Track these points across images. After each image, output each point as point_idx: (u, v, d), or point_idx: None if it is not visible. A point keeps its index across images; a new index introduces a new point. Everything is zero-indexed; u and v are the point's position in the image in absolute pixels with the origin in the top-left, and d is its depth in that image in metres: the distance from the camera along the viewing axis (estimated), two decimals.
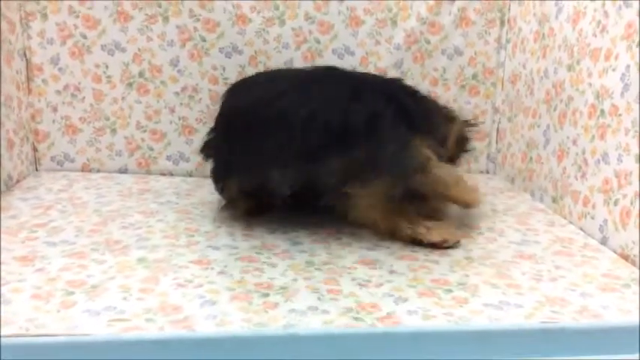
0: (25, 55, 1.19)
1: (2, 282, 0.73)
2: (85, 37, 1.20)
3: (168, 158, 1.27)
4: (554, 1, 1.08)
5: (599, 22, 0.95)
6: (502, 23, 1.28)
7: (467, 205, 0.96)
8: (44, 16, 1.19)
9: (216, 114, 1.02)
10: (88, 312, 0.67)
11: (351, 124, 0.88)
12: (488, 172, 1.34)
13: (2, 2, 1.09)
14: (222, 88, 1.23)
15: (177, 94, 1.25)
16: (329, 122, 0.88)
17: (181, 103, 1.25)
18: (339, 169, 0.88)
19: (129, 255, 0.83)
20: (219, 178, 1.01)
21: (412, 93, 1.02)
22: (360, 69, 1.24)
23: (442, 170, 0.92)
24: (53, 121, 1.23)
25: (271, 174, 0.91)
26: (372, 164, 0.88)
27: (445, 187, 0.92)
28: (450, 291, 0.74)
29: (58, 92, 1.22)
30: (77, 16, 1.19)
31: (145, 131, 1.26)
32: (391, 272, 0.80)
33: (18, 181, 1.15)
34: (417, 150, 0.90)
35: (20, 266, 0.78)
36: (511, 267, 0.83)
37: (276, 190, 0.92)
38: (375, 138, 0.88)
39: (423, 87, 1.28)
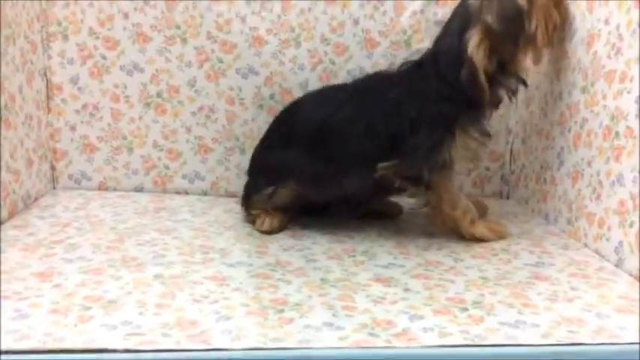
0: (45, 74, 1.22)
1: (20, 297, 0.74)
2: (104, 57, 1.23)
3: (184, 177, 1.29)
4: (568, 24, 1.09)
5: (613, 44, 0.95)
6: None
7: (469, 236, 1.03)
8: (65, 37, 1.21)
9: (270, 127, 1.15)
10: (105, 326, 0.68)
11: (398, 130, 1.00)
12: (501, 194, 1.34)
13: (25, 22, 1.12)
14: (238, 109, 1.26)
15: (193, 113, 1.26)
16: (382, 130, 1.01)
17: (198, 123, 1.27)
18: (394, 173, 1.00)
19: (145, 271, 0.84)
20: (274, 182, 1.06)
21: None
22: None
23: (447, 195, 1.02)
24: (71, 140, 1.25)
25: (348, 179, 1.03)
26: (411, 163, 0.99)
27: (450, 208, 1.02)
28: (466, 309, 0.74)
29: (77, 111, 1.24)
30: (97, 37, 1.22)
31: (161, 150, 1.27)
32: (406, 290, 0.80)
33: (36, 199, 1.17)
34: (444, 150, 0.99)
35: (38, 282, 0.79)
36: (526, 288, 0.82)
37: (350, 195, 1.05)
38: (413, 141, 0.98)
39: None
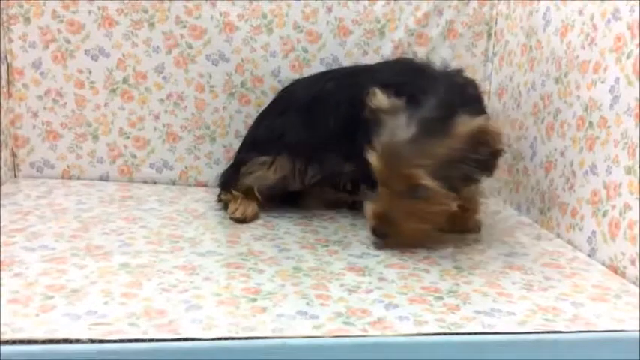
0: (6, 58, 1.17)
1: None
2: (68, 41, 1.18)
3: (152, 166, 1.25)
4: (541, 15, 1.09)
5: (587, 34, 0.95)
6: (489, 36, 1.29)
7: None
8: (27, 20, 1.17)
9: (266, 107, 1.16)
10: (68, 316, 0.64)
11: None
12: None
13: None
14: (208, 96, 1.23)
15: (162, 100, 1.23)
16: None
17: (166, 110, 1.23)
18: None
19: (111, 260, 0.81)
20: (270, 153, 1.05)
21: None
22: None
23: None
24: (33, 127, 1.20)
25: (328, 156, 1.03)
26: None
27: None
28: (441, 298, 0.73)
29: (40, 97, 1.19)
30: (61, 21, 1.17)
31: (128, 138, 1.23)
32: (381, 279, 0.79)
33: None
34: None
35: None
36: (501, 277, 0.82)
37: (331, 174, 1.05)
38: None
39: None
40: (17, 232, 0.89)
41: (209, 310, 0.67)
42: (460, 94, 0.92)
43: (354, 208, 1.09)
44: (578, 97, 0.97)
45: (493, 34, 1.28)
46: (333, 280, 0.78)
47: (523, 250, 0.94)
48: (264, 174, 1.06)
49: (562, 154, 1.01)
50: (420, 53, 1.27)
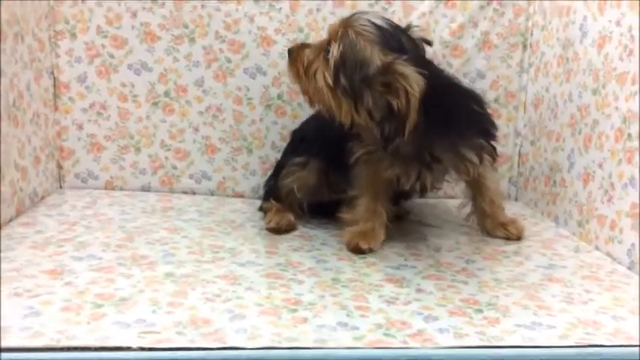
0: (52, 73, 1.21)
1: (32, 295, 0.74)
2: (112, 56, 1.22)
3: (191, 177, 1.28)
4: (578, 26, 1.09)
5: (625, 46, 0.95)
6: (524, 47, 1.29)
7: None
8: (73, 35, 1.21)
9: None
10: (118, 324, 0.67)
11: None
12: (509, 196, 1.33)
13: (33, 20, 1.12)
14: (245, 108, 1.26)
15: (201, 113, 1.26)
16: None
17: (205, 123, 1.26)
18: None
19: (156, 270, 0.83)
20: (304, 155, 1.09)
21: None
22: None
23: None
24: (78, 139, 1.24)
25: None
26: None
27: None
28: (481, 311, 0.74)
29: (84, 110, 1.23)
30: (105, 36, 1.21)
31: (168, 150, 1.27)
32: (418, 291, 0.80)
33: (43, 198, 1.16)
34: None
35: (49, 279, 0.78)
36: (540, 289, 0.82)
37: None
38: None
39: None
40: (65, 242, 0.93)
41: (252, 320, 0.69)
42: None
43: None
44: (617, 108, 0.97)
45: (529, 46, 1.28)
46: (371, 292, 0.79)
47: (562, 262, 0.94)
48: (301, 174, 1.08)
49: (600, 165, 1.00)
50: (455, 64, 1.27)
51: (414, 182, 0.97)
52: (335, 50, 0.88)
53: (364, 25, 0.88)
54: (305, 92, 0.96)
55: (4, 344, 0.62)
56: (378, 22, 0.89)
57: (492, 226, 1.06)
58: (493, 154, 1.01)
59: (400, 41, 0.90)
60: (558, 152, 1.15)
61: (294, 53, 0.95)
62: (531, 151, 1.27)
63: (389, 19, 0.93)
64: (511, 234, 1.04)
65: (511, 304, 0.76)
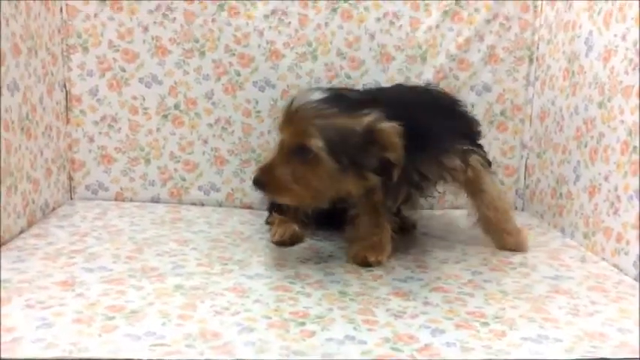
0: (64, 86, 1.23)
1: (44, 306, 0.75)
2: (123, 69, 1.24)
3: (200, 188, 1.29)
4: (583, 40, 1.10)
5: (631, 60, 0.96)
6: (531, 61, 1.30)
7: None
8: (85, 49, 1.23)
9: None
10: (129, 336, 0.68)
11: None
12: (516, 208, 1.34)
13: (46, 35, 1.14)
14: (254, 121, 1.28)
15: (210, 126, 1.27)
16: None
17: (214, 135, 1.28)
18: None
19: (165, 282, 0.85)
20: None
21: None
22: None
23: None
24: (89, 151, 1.26)
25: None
26: None
27: None
28: (487, 324, 0.74)
29: (96, 123, 1.25)
30: (117, 50, 1.23)
31: (178, 162, 1.28)
32: (425, 304, 0.81)
33: (54, 209, 1.17)
34: None
35: (61, 291, 0.80)
36: (547, 301, 0.82)
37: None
38: None
39: None
40: (76, 254, 0.94)
41: (261, 333, 0.70)
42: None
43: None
44: (622, 121, 0.97)
45: (535, 59, 1.29)
46: (379, 305, 0.79)
47: (568, 273, 0.94)
48: None
49: (606, 178, 1.01)
50: (462, 77, 1.29)
51: (403, 202, 1.00)
52: (317, 143, 0.86)
53: (316, 107, 0.88)
54: (304, 199, 0.91)
55: (18, 355, 0.63)
56: (319, 95, 0.89)
57: (495, 234, 1.05)
58: (481, 155, 1.02)
59: (348, 97, 0.91)
60: (564, 165, 1.15)
61: (265, 181, 0.90)
62: (537, 163, 1.28)
63: (318, 87, 0.94)
64: (509, 244, 1.04)
65: (517, 317, 0.77)
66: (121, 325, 0.70)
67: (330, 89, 0.93)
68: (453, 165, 0.98)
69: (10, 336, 0.67)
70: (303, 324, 0.73)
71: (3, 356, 0.63)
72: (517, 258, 1.01)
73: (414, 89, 1.07)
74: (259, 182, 0.91)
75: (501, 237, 1.05)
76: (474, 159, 1.00)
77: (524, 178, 1.34)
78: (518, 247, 1.04)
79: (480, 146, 1.05)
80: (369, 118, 0.87)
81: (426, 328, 0.73)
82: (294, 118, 0.89)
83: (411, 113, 0.90)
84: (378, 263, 0.95)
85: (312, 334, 0.71)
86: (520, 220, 1.24)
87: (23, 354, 0.64)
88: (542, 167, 1.26)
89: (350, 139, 0.87)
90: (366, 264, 0.95)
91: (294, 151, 0.89)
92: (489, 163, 1.05)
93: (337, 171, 0.88)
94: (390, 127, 0.87)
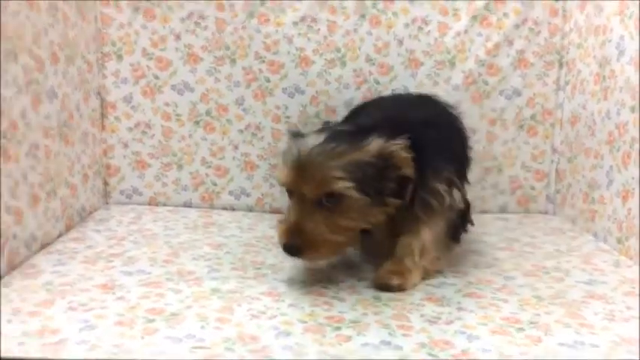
0: (99, 93, 1.26)
1: (86, 308, 0.77)
2: (157, 77, 1.26)
3: (231, 193, 1.31)
4: (615, 44, 1.10)
5: None
6: (560, 65, 1.29)
7: None
8: (119, 57, 1.26)
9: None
10: (169, 339, 0.70)
11: None
12: (547, 213, 1.34)
13: (82, 43, 1.17)
14: (284, 126, 1.29)
15: (241, 131, 1.29)
16: None
17: (244, 141, 1.30)
18: None
19: (202, 285, 0.86)
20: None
21: None
22: None
23: None
24: (124, 157, 1.29)
25: None
26: None
27: None
28: (522, 329, 0.75)
29: (130, 129, 1.28)
30: (150, 58, 1.26)
31: (209, 167, 1.30)
32: (459, 309, 0.81)
33: (90, 213, 1.20)
34: None
35: (101, 294, 0.82)
36: (582, 307, 0.82)
37: None
38: None
39: (482, 126, 1.30)
40: (115, 257, 0.96)
41: (297, 338, 0.71)
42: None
43: None
44: None
45: (565, 64, 1.29)
46: (412, 311, 0.80)
47: (602, 277, 0.94)
48: None
49: None
50: (491, 82, 1.29)
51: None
52: (344, 185, 0.82)
53: (326, 150, 0.83)
54: (342, 246, 0.88)
55: (64, 356, 0.65)
56: (318, 138, 0.85)
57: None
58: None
59: (346, 131, 0.88)
60: (596, 169, 1.15)
61: (300, 244, 0.84)
62: (569, 168, 1.27)
63: (299, 132, 0.92)
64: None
65: (553, 323, 0.77)
66: (162, 328, 0.72)
67: (321, 129, 0.90)
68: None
69: (55, 337, 0.69)
70: (338, 328, 0.74)
71: (50, 356, 0.65)
72: (550, 262, 1.01)
73: (403, 101, 1.06)
74: (292, 247, 0.84)
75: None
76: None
77: (555, 183, 1.33)
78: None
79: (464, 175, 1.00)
80: (377, 144, 0.84)
81: (462, 333, 0.73)
82: (307, 168, 0.83)
83: (408, 129, 0.87)
84: (401, 288, 0.88)
85: (348, 338, 0.72)
86: (551, 224, 1.25)
87: (69, 355, 0.66)
88: (573, 172, 1.25)
89: (368, 169, 0.84)
90: (388, 288, 0.88)
91: (317, 201, 0.84)
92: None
93: (366, 205, 0.85)
94: (398, 146, 0.85)
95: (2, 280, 0.84)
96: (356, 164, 0.83)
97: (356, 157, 0.83)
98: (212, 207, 1.31)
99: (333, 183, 0.82)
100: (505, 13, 1.27)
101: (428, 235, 0.91)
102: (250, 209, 1.32)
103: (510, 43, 1.28)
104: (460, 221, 0.97)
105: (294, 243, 0.84)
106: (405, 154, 0.85)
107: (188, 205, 1.31)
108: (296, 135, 0.91)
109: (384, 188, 0.86)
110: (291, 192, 0.87)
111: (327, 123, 0.96)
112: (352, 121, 1.00)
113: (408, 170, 0.85)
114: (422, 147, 0.87)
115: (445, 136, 0.96)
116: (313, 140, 0.85)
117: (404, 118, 0.94)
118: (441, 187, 0.91)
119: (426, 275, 0.92)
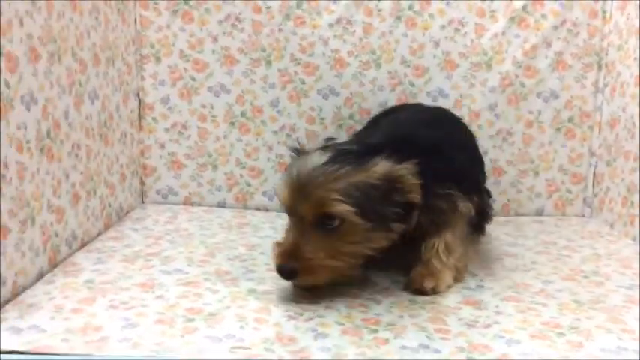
0: (138, 95, 1.28)
1: (127, 307, 0.78)
2: (193, 79, 1.28)
3: (264, 194, 1.32)
4: None
5: None
6: (599, 67, 1.27)
7: None
8: (157, 59, 1.28)
9: None
10: (209, 338, 0.71)
11: None
12: (583, 217, 1.32)
13: (122, 45, 1.19)
14: (318, 128, 1.29)
15: (275, 133, 1.30)
16: None
17: (279, 142, 1.30)
18: None
19: (239, 286, 0.87)
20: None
21: None
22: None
23: None
24: (160, 157, 1.30)
25: None
26: None
27: None
28: (563, 334, 0.74)
29: (167, 130, 1.30)
30: (187, 60, 1.27)
31: (243, 168, 1.31)
32: (497, 313, 0.80)
33: (127, 212, 1.22)
34: None
35: (141, 292, 0.83)
36: (623, 311, 0.81)
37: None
38: None
39: (518, 129, 1.29)
40: (153, 256, 0.98)
41: (335, 340, 0.72)
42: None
43: None
44: None
45: (604, 66, 1.27)
46: (449, 314, 0.80)
47: None
48: None
49: None
50: (529, 85, 1.27)
51: None
52: (344, 208, 0.79)
53: (328, 171, 0.80)
54: (341, 271, 0.84)
55: (108, 353, 0.67)
56: (322, 158, 0.82)
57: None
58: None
59: (352, 151, 0.84)
60: (636, 173, 1.13)
61: (294, 267, 0.81)
62: (607, 171, 1.25)
63: (304, 150, 0.89)
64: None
65: (593, 328, 0.76)
66: (201, 327, 0.73)
67: (325, 147, 0.86)
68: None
69: (98, 335, 0.71)
70: (376, 331, 0.74)
71: (94, 353, 0.67)
72: (588, 266, 0.99)
73: (415, 119, 1.04)
74: (287, 270, 0.81)
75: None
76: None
77: (593, 187, 1.31)
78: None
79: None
80: (383, 166, 0.82)
81: (501, 337, 0.73)
82: (306, 189, 0.80)
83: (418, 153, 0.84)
84: (435, 291, 0.87)
85: (386, 341, 0.72)
86: (589, 227, 1.23)
87: (112, 352, 0.67)
88: (611, 175, 1.23)
89: (372, 193, 0.81)
90: (422, 292, 0.87)
91: (316, 224, 0.81)
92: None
93: (368, 231, 0.81)
94: (407, 171, 0.82)
95: (44, 278, 0.87)
96: (358, 187, 0.80)
97: (359, 179, 0.80)
98: (245, 207, 1.32)
99: (330, 205, 0.79)
100: (543, 15, 1.26)
101: (450, 233, 0.90)
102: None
103: (548, 44, 1.26)
104: (481, 215, 0.96)
105: (290, 266, 0.81)
106: (413, 180, 0.82)
107: (222, 205, 1.32)
108: (298, 153, 0.90)
109: (388, 213, 0.83)
110: (290, 213, 0.85)
111: (330, 140, 0.93)
112: (363, 135, 0.98)
113: (416, 196, 0.82)
114: (432, 174, 0.84)
115: (457, 159, 0.92)
116: (316, 159, 0.82)
117: (414, 140, 0.90)
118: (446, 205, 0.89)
119: (459, 274, 0.91)
